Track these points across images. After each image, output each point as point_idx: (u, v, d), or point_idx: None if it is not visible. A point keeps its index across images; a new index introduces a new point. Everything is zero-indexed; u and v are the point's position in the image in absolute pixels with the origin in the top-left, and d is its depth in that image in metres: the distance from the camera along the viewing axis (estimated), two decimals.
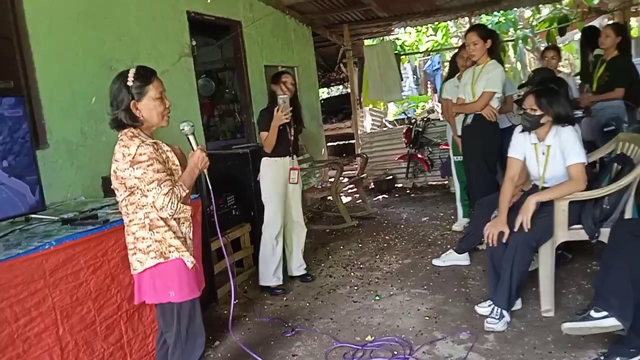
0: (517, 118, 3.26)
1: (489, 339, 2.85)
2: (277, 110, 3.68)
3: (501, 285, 2.95)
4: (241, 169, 4.39)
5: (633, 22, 9.55)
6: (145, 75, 2.10)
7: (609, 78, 4.56)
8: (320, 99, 11.18)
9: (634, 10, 7.44)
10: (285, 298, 3.78)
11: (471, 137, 4.20)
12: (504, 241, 2.96)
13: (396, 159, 7.73)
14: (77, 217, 2.58)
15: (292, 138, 3.93)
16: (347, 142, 9.97)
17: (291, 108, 3.74)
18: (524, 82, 4.24)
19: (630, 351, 2.33)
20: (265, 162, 3.88)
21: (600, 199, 2.92)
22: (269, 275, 3.90)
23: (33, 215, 2.66)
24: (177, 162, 2.16)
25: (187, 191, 2.11)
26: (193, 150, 2.23)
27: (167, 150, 2.15)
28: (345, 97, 10.34)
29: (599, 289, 2.47)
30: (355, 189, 7.02)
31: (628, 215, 2.93)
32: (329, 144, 10.33)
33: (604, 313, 2.33)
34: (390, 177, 7.71)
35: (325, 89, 13.06)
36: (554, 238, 2.98)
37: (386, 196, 7.24)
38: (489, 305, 3.06)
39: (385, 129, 9.28)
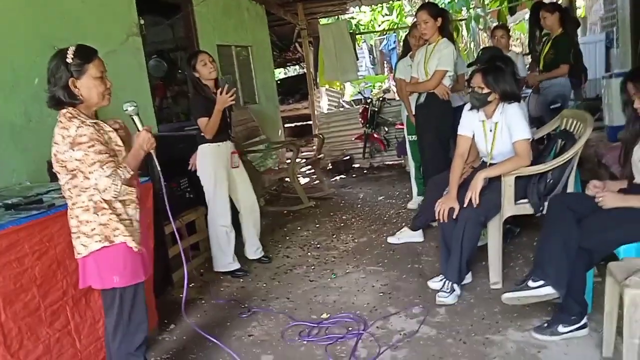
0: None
1: (440, 312, 2.93)
2: (221, 92, 3.52)
3: (451, 260, 3.03)
4: (192, 151, 4.30)
5: (579, 1, 9.81)
6: (86, 54, 2.04)
7: (553, 56, 4.69)
8: (276, 79, 11.13)
9: None
10: (241, 280, 3.78)
11: (424, 115, 4.25)
12: (454, 217, 3.04)
13: (353, 139, 7.76)
14: (22, 202, 2.49)
15: (229, 120, 3.83)
16: (304, 123, 9.96)
17: (235, 89, 3.60)
18: (471, 61, 4.32)
19: (572, 318, 2.45)
20: (205, 149, 3.72)
21: (544, 173, 3.02)
22: (228, 261, 3.86)
23: None
24: (120, 143, 2.10)
25: (132, 173, 2.06)
26: (138, 131, 2.17)
27: (109, 131, 2.09)
28: (302, 78, 10.29)
29: (536, 259, 2.58)
30: (312, 170, 7.02)
31: (570, 189, 3.05)
32: (286, 125, 10.29)
33: (541, 282, 2.43)
34: (348, 157, 7.75)
35: (282, 69, 12.97)
36: (501, 213, 3.07)
37: (344, 176, 7.29)
38: (441, 280, 3.14)
39: (342, 109, 9.30)
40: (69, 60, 1.99)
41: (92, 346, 2.52)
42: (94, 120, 2.04)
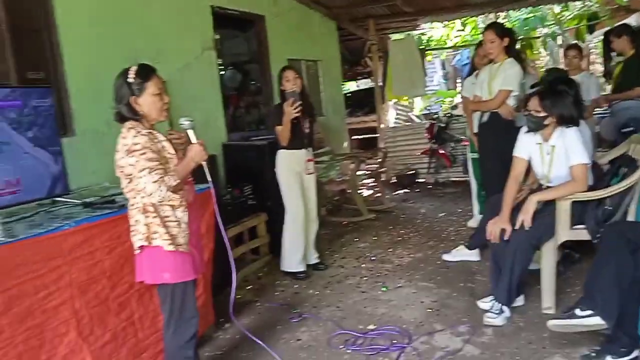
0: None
1: (487, 332, 2.93)
2: (287, 105, 3.79)
3: (501, 281, 3.02)
4: (259, 160, 4.53)
5: None
6: (145, 73, 2.24)
7: (623, 79, 4.54)
8: (347, 91, 11.29)
9: None
10: (296, 285, 3.92)
11: (487, 134, 4.24)
12: (505, 238, 3.02)
13: (419, 154, 7.76)
14: (97, 201, 2.77)
15: (307, 131, 4.04)
16: (372, 135, 10.02)
17: (300, 102, 3.83)
18: (536, 82, 4.25)
19: (621, 350, 2.39)
20: (281, 154, 4.02)
21: (602, 200, 2.95)
22: (296, 262, 4.07)
23: (58, 199, 2.85)
24: (172, 151, 2.28)
25: (178, 181, 2.22)
26: (192, 143, 2.34)
27: (163, 140, 2.28)
28: (371, 91, 10.35)
29: (587, 288, 2.52)
30: (375, 183, 7.09)
31: (631, 217, 2.96)
32: (354, 137, 10.41)
33: (589, 312, 2.38)
34: (412, 172, 7.75)
35: (353, 82, 13.13)
36: (555, 237, 3.03)
37: (407, 191, 7.30)
38: (490, 301, 3.13)
39: (408, 123, 9.30)
40: (130, 79, 2.21)
41: (152, 336, 2.73)
42: (149, 130, 2.24)
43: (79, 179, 3.41)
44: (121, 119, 2.27)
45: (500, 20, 9.31)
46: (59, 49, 3.50)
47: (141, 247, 2.27)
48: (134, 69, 2.25)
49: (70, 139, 3.50)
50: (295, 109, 3.79)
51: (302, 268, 4.07)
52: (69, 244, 2.31)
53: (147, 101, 2.24)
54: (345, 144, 8.08)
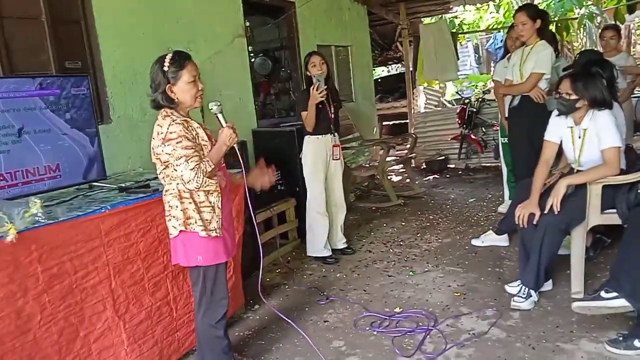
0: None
1: (514, 316, 2.94)
2: (313, 88, 3.82)
3: (529, 266, 3.01)
4: (288, 146, 4.59)
5: None
6: (180, 61, 2.28)
7: None
8: (377, 77, 11.24)
9: None
10: (323, 269, 3.99)
11: (517, 118, 4.20)
12: (534, 223, 3.01)
13: (449, 139, 7.69)
14: (132, 185, 2.87)
15: (333, 116, 4.07)
16: (402, 121, 9.98)
17: (326, 86, 3.85)
18: (564, 65, 4.17)
19: None
20: (307, 140, 4.06)
21: (635, 184, 2.90)
22: (320, 247, 4.13)
23: (95, 184, 2.98)
24: (206, 138, 2.34)
25: (214, 166, 2.28)
26: (222, 127, 2.39)
27: (197, 127, 2.33)
28: (402, 76, 10.30)
29: (613, 270, 2.50)
30: (405, 169, 7.08)
31: None
32: (385, 122, 10.39)
33: (614, 294, 2.37)
34: (443, 157, 7.70)
35: (384, 68, 13.05)
36: (586, 221, 2.99)
37: (437, 176, 7.26)
38: (518, 285, 3.13)
39: (439, 108, 9.21)
40: (165, 68, 2.25)
41: (186, 316, 2.84)
42: (184, 118, 2.30)
43: (115, 164, 3.54)
44: (157, 106, 2.33)
45: (535, 2, 9.09)
46: (96, 39, 3.62)
47: (177, 231, 2.35)
48: (169, 56, 2.29)
49: (106, 126, 3.63)
50: (320, 92, 3.82)
51: (327, 253, 4.13)
52: (106, 226, 2.41)
53: (182, 89, 2.28)
54: (375, 130, 8.08)
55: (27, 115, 2.58)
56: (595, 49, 7.16)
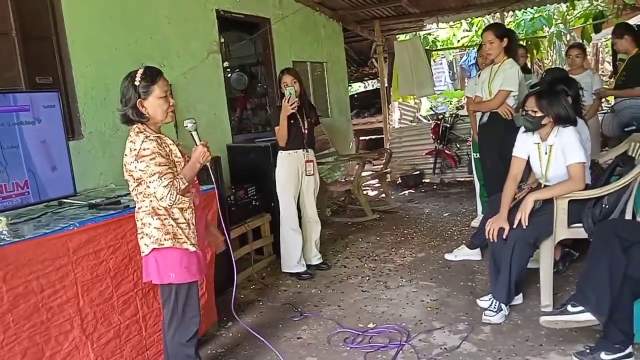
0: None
1: (485, 330, 2.97)
2: (284, 101, 3.85)
3: (500, 280, 3.06)
4: (263, 161, 4.59)
5: None
6: (152, 76, 2.29)
7: (625, 78, 4.54)
8: (354, 93, 11.35)
9: None
10: (298, 285, 3.98)
11: (487, 134, 4.28)
12: (504, 237, 3.06)
13: (424, 154, 7.78)
14: (102, 202, 2.84)
15: (306, 131, 4.08)
16: (378, 136, 10.07)
17: (296, 100, 3.87)
18: (535, 82, 4.28)
19: (615, 347, 2.41)
20: (280, 155, 4.08)
21: (600, 198, 2.97)
22: (294, 263, 4.13)
23: (65, 200, 2.94)
24: (179, 155, 2.35)
25: (187, 184, 2.29)
26: (196, 145, 2.41)
27: (170, 144, 2.34)
28: (377, 92, 10.42)
29: (579, 284, 2.56)
30: (380, 184, 7.13)
31: (628, 215, 2.98)
32: (361, 138, 10.46)
33: (581, 308, 2.42)
34: (418, 172, 7.77)
35: (360, 83, 13.18)
36: (553, 235, 3.06)
37: (412, 191, 7.32)
38: (490, 299, 3.17)
39: (414, 124, 9.32)
40: (137, 82, 2.26)
41: (156, 335, 2.79)
42: (157, 135, 2.30)
43: (85, 180, 3.50)
44: (127, 121, 2.33)
45: (506, 20, 9.32)
46: (67, 55, 3.60)
47: (149, 249, 2.33)
48: (140, 71, 2.30)
49: (77, 142, 3.60)
50: (291, 105, 3.84)
51: (301, 269, 4.12)
52: (74, 244, 2.38)
53: (153, 104, 2.29)
54: (351, 145, 8.14)
55: None
56: (561, 67, 7.36)
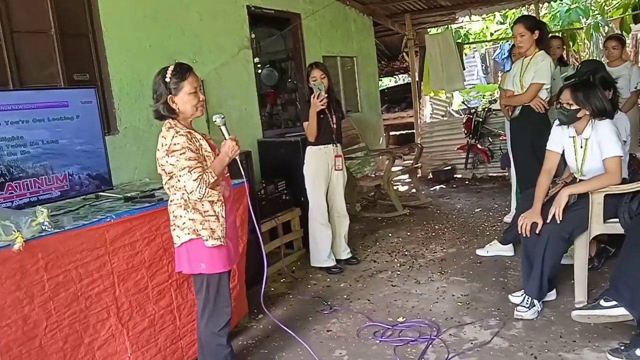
0: None
1: (517, 326, 2.94)
2: (313, 97, 3.86)
3: (532, 275, 3.02)
4: (293, 156, 4.62)
5: None
6: (182, 72, 2.33)
7: None
8: (384, 87, 11.29)
9: None
10: (328, 279, 4.00)
11: (519, 128, 4.21)
12: (537, 232, 3.01)
13: (456, 149, 7.70)
14: (137, 195, 2.92)
15: (335, 126, 4.09)
16: (409, 131, 9.99)
17: (326, 95, 3.88)
18: (570, 74, 4.19)
19: None
20: (309, 150, 4.09)
21: (637, 192, 2.90)
22: (324, 257, 4.15)
23: (101, 193, 3.03)
24: (209, 149, 2.40)
25: (216, 177, 2.33)
26: (225, 139, 2.44)
27: (200, 139, 2.39)
28: (408, 86, 10.34)
29: (613, 279, 2.50)
30: (411, 179, 7.09)
31: None
32: (392, 133, 10.40)
33: (614, 302, 2.37)
34: (449, 167, 7.70)
35: (391, 78, 13.09)
36: (588, 230, 2.99)
37: (443, 186, 7.26)
38: (522, 295, 3.13)
39: (445, 118, 9.23)
40: (167, 79, 2.31)
41: (189, 325, 2.86)
42: (188, 130, 2.35)
43: (121, 174, 3.60)
44: (159, 116, 2.39)
45: (542, 12, 9.12)
46: (103, 52, 3.69)
47: (181, 240, 2.39)
48: (171, 68, 2.35)
49: (113, 137, 3.69)
50: (321, 101, 3.85)
51: (330, 263, 4.14)
52: (111, 235, 2.45)
53: (183, 99, 2.34)
54: (381, 140, 8.10)
55: (35, 126, 2.64)
56: (599, 59, 7.17)
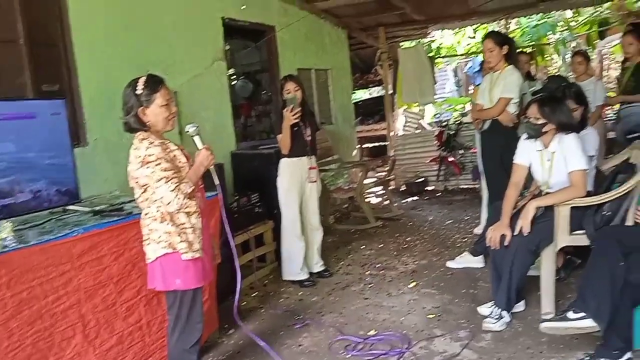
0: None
1: (486, 337, 2.97)
2: (286, 111, 3.87)
3: (501, 287, 3.06)
4: (266, 168, 4.59)
5: None
6: (154, 84, 2.32)
7: (635, 84, 4.54)
8: (359, 100, 11.36)
9: None
10: (300, 293, 3.99)
11: (488, 141, 4.30)
12: (505, 244, 3.06)
13: (428, 161, 7.79)
14: (106, 209, 2.87)
15: (309, 138, 4.10)
16: (383, 143, 10.08)
17: (300, 109, 3.90)
18: (538, 88, 4.30)
19: (614, 353, 2.42)
20: (283, 162, 4.09)
21: (601, 205, 2.98)
22: (296, 270, 4.13)
23: (69, 207, 2.97)
24: (183, 160, 2.38)
25: (193, 187, 2.32)
26: (198, 149, 2.43)
27: (175, 149, 2.37)
28: (382, 99, 10.44)
29: (580, 291, 2.56)
30: (384, 191, 7.14)
31: (630, 222, 2.97)
32: (365, 145, 10.47)
33: (582, 314, 2.42)
34: (422, 179, 7.78)
35: (365, 90, 13.19)
36: (555, 243, 3.06)
37: (416, 198, 7.32)
38: (491, 306, 3.17)
39: (418, 131, 9.34)
40: (138, 91, 2.29)
41: (159, 341, 2.81)
42: (161, 140, 2.33)
43: (90, 187, 3.52)
44: (129, 129, 2.36)
45: (511, 27, 9.33)
46: (74, 62, 3.64)
47: (155, 255, 2.34)
48: (142, 80, 2.33)
49: (83, 149, 3.63)
50: (293, 114, 3.86)
51: (303, 276, 4.12)
52: (78, 250, 2.41)
53: (154, 112, 2.32)
54: (355, 152, 8.15)
55: (1, 138, 2.58)
56: (566, 74, 7.38)
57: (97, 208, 2.89)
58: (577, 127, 3.09)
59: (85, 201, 3.15)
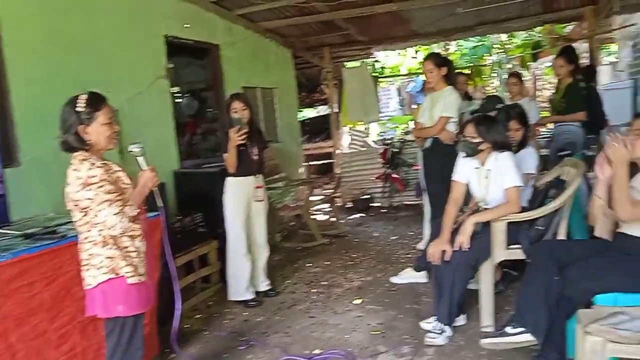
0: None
1: (429, 352, 3.02)
2: (233, 132, 3.83)
3: (442, 301, 3.13)
4: (211, 187, 4.53)
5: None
6: (96, 102, 2.25)
7: (566, 105, 4.79)
8: (305, 118, 11.45)
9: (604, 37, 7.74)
10: (245, 313, 3.93)
11: (430, 159, 4.41)
12: (446, 259, 3.14)
13: (373, 178, 7.91)
14: (38, 232, 2.74)
15: (256, 157, 4.08)
16: (329, 160, 10.18)
17: (247, 129, 3.88)
18: (476, 108, 4.48)
19: None
20: (229, 181, 4.04)
21: (535, 220, 3.11)
22: (242, 290, 4.06)
23: None
24: (127, 181, 2.31)
25: (137, 210, 2.26)
26: (142, 170, 2.37)
27: (118, 170, 2.30)
28: (328, 117, 10.56)
29: (516, 306, 2.65)
30: (331, 208, 7.19)
31: (561, 236, 3.12)
32: (312, 162, 10.54)
33: (520, 329, 2.50)
34: (367, 196, 7.89)
35: (311, 109, 13.30)
36: (492, 257, 3.16)
37: (362, 215, 7.41)
38: (433, 321, 3.22)
39: (364, 149, 9.49)
40: (79, 108, 2.22)
41: None
42: (103, 162, 2.26)
43: (23, 209, 3.36)
44: (68, 148, 2.26)
45: (452, 48, 9.70)
46: (6, 78, 3.48)
47: (96, 282, 2.24)
48: (83, 97, 2.25)
49: (14, 169, 3.46)
50: (239, 136, 3.84)
51: (249, 296, 4.06)
52: (6, 277, 2.29)
53: (97, 130, 2.24)
54: (302, 170, 8.17)
55: None
56: (501, 94, 7.71)
57: (29, 231, 2.76)
58: (510, 145, 3.22)
59: (16, 224, 3.01)
